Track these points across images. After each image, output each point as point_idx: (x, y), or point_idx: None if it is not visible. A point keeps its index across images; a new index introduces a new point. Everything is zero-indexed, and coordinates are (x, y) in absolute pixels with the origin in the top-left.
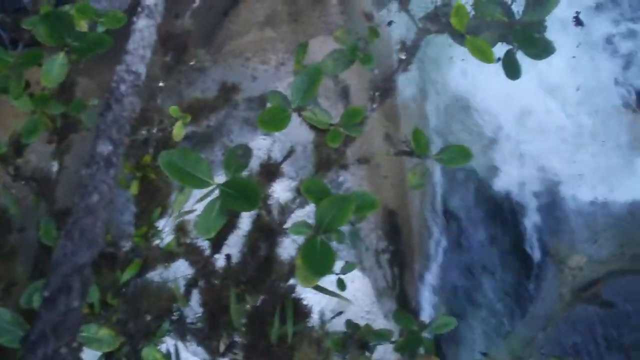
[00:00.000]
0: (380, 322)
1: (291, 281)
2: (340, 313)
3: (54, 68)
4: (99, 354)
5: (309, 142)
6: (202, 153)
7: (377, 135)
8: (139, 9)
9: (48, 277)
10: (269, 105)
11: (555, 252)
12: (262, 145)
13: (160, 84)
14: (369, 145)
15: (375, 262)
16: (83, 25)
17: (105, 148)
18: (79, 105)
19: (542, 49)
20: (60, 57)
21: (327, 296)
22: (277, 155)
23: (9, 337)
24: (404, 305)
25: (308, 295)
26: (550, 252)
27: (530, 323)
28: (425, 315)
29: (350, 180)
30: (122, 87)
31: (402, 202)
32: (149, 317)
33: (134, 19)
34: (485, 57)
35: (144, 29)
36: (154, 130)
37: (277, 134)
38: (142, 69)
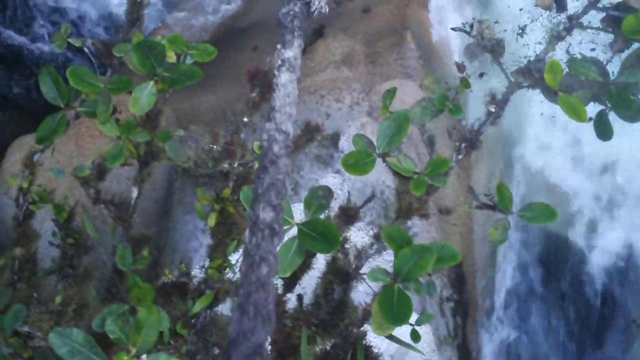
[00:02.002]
0: None
1: (362, 327)
2: None
3: (143, 96)
4: None
5: (378, 184)
6: None
7: (450, 184)
8: (279, 62)
9: (227, 354)
10: (353, 148)
11: None
12: (332, 184)
13: (245, 119)
14: (440, 193)
15: (439, 310)
16: (172, 56)
17: (267, 215)
18: (165, 135)
19: (636, 111)
20: (150, 85)
21: (386, 341)
22: (346, 193)
23: (80, 358)
24: (465, 356)
25: (373, 341)
26: (637, 322)
27: None
28: None
29: (419, 225)
30: (275, 148)
31: (468, 251)
32: (216, 351)
33: (276, 72)
34: (578, 116)
35: (287, 84)
36: (235, 165)
37: (346, 173)
38: (290, 128)
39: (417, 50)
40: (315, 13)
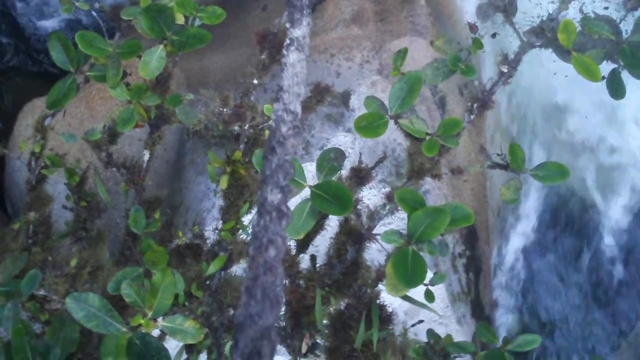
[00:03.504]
0: (452, 328)
1: (376, 287)
2: (421, 321)
3: (153, 60)
4: (180, 343)
5: (390, 142)
6: None
7: (462, 142)
8: (288, 41)
9: (235, 338)
10: (365, 110)
11: None
12: (343, 142)
13: (255, 82)
14: (452, 151)
15: (451, 266)
16: (180, 19)
17: (274, 197)
18: (175, 99)
19: None
20: (160, 49)
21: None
22: (357, 152)
23: (97, 322)
24: (478, 311)
25: (387, 299)
26: None
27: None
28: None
29: (430, 182)
30: (284, 129)
31: (480, 207)
32: (231, 312)
33: (284, 52)
34: (591, 75)
35: (296, 63)
36: (246, 127)
37: None
38: (298, 108)
39: (427, 7)
40: None
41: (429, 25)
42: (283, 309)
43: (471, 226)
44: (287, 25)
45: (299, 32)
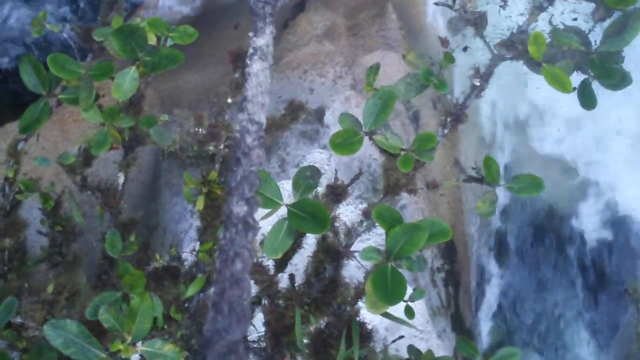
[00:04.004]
0: (433, 342)
1: (355, 304)
2: (401, 337)
3: (126, 82)
4: None
5: (365, 157)
6: None
7: (436, 156)
8: (251, 51)
9: (203, 354)
10: (340, 127)
11: (633, 290)
12: (318, 159)
13: (229, 100)
14: (427, 165)
15: (430, 280)
16: (152, 39)
17: (240, 209)
18: (149, 120)
19: (619, 80)
20: (132, 70)
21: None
22: (332, 169)
23: (76, 349)
24: (459, 325)
25: (367, 316)
26: (628, 290)
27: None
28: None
29: (407, 197)
30: (248, 139)
31: (458, 220)
32: None
33: (247, 61)
34: (562, 86)
35: (259, 72)
36: (221, 147)
37: None
38: (263, 118)
39: (398, 21)
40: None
41: (400, 39)
42: (263, 329)
43: (449, 240)
44: (250, 34)
45: (262, 41)
